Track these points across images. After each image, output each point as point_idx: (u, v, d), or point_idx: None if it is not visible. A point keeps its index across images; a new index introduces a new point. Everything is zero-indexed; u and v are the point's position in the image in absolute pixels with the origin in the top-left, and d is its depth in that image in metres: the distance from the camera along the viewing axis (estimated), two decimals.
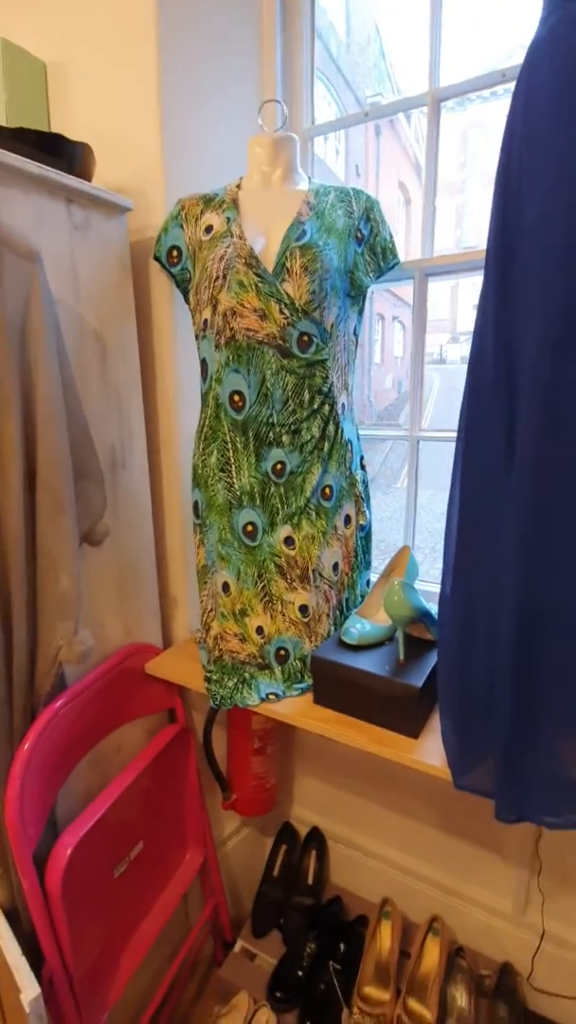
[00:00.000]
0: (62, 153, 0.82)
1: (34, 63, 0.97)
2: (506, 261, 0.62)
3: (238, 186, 0.89)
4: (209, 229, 0.86)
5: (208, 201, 0.88)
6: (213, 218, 0.86)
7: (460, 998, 1.05)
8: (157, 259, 0.91)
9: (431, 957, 1.10)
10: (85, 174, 0.85)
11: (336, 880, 1.34)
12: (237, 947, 1.21)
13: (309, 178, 0.92)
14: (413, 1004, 1.04)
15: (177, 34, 0.90)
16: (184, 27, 0.92)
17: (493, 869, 1.11)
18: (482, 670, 0.68)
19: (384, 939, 1.15)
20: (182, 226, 0.88)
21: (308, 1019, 1.04)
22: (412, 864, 1.22)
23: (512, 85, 0.63)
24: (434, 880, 1.19)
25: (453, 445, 0.69)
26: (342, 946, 1.15)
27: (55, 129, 1.00)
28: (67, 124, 0.99)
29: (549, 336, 0.57)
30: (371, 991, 1.07)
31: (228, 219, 0.85)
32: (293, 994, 1.09)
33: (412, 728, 0.78)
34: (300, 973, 1.11)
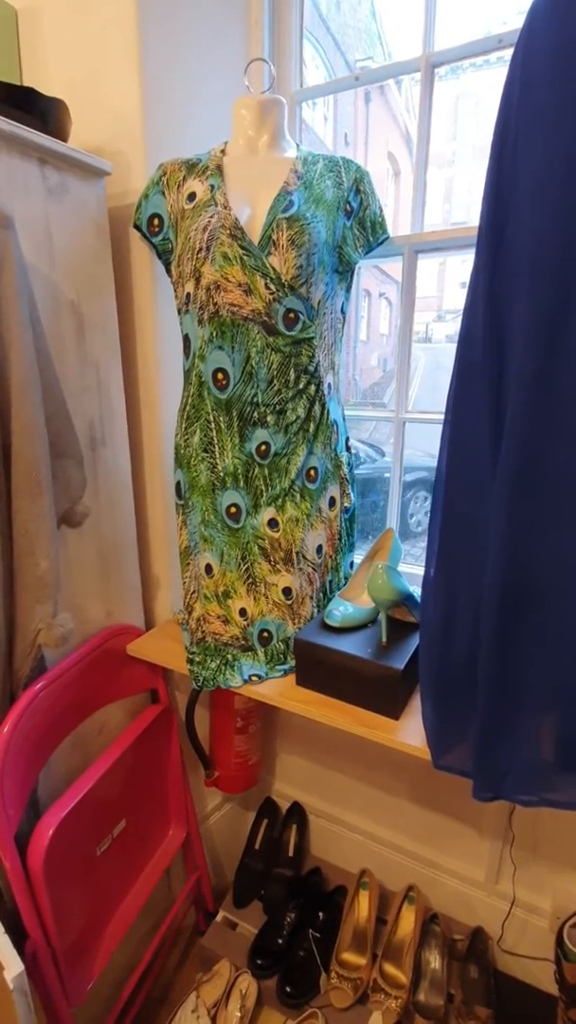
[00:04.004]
0: (35, 110, 0.77)
1: (4, 8, 0.91)
2: (499, 235, 0.61)
3: (223, 151, 0.85)
4: (192, 197, 0.82)
5: (191, 167, 0.84)
6: (196, 185, 0.82)
7: (434, 961, 1.10)
8: (137, 227, 0.87)
9: (407, 924, 1.14)
10: (60, 133, 0.80)
11: (316, 852, 1.37)
12: (219, 917, 1.24)
13: (297, 145, 0.88)
14: (389, 968, 1.08)
15: None
16: None
17: (468, 841, 1.15)
18: (463, 653, 0.69)
19: (362, 908, 1.19)
20: (163, 193, 0.84)
21: (288, 984, 1.07)
22: (390, 837, 1.25)
23: (508, 53, 0.60)
24: (411, 852, 1.22)
25: (439, 426, 0.69)
26: (321, 915, 1.18)
27: (27, 82, 0.94)
28: (40, 77, 0.93)
29: (539, 314, 0.56)
30: (349, 957, 1.11)
31: (212, 187, 0.81)
32: (273, 961, 1.12)
33: (393, 709, 0.79)
34: (280, 941, 1.15)
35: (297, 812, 1.35)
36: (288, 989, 1.06)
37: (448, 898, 1.19)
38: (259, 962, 1.11)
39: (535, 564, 0.62)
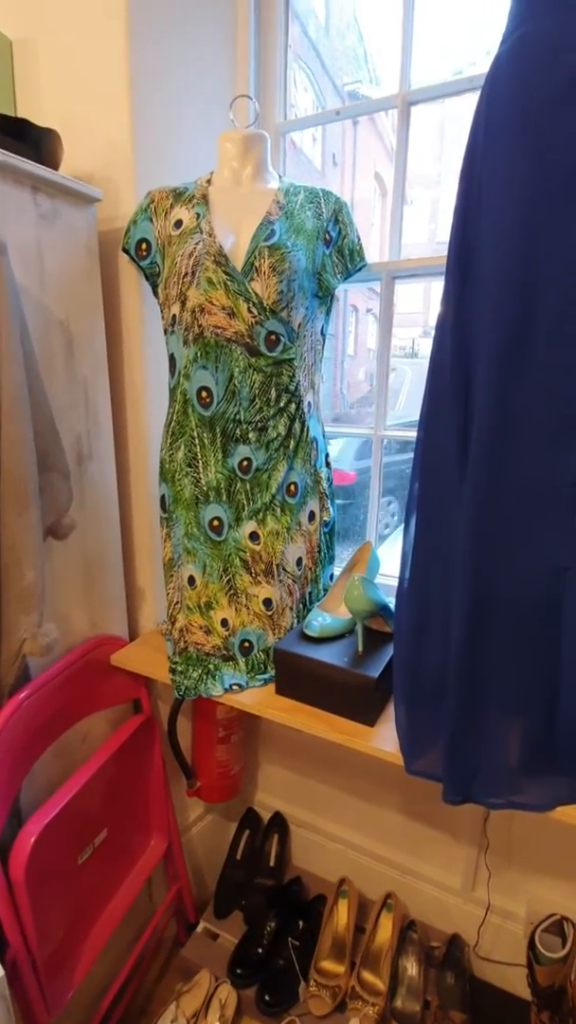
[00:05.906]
0: (28, 139, 0.80)
1: (0, 39, 0.95)
2: (464, 267, 0.65)
3: (208, 181, 0.89)
4: (179, 224, 0.86)
5: (178, 195, 0.88)
6: (183, 213, 0.86)
7: (411, 968, 1.11)
8: (126, 251, 0.90)
9: (384, 931, 1.15)
10: (52, 162, 0.84)
11: (297, 862, 1.38)
12: (200, 928, 1.24)
13: (280, 176, 0.93)
14: (367, 975, 1.09)
15: (147, 11, 0.89)
16: (154, 3, 0.90)
17: (444, 848, 1.17)
18: (433, 661, 0.72)
19: (341, 916, 1.20)
20: (151, 219, 0.88)
21: (267, 993, 1.08)
22: (369, 845, 1.27)
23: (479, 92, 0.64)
24: (389, 860, 1.24)
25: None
26: (301, 923, 1.19)
27: (21, 111, 0.98)
28: (34, 106, 0.97)
29: (501, 344, 0.61)
30: (327, 965, 1.12)
31: (198, 215, 0.85)
32: (253, 970, 1.13)
33: (369, 717, 0.82)
34: (260, 950, 1.16)
35: (278, 822, 1.36)
36: (267, 998, 1.07)
37: (425, 905, 1.21)
38: (239, 972, 1.12)
39: (499, 577, 0.65)
